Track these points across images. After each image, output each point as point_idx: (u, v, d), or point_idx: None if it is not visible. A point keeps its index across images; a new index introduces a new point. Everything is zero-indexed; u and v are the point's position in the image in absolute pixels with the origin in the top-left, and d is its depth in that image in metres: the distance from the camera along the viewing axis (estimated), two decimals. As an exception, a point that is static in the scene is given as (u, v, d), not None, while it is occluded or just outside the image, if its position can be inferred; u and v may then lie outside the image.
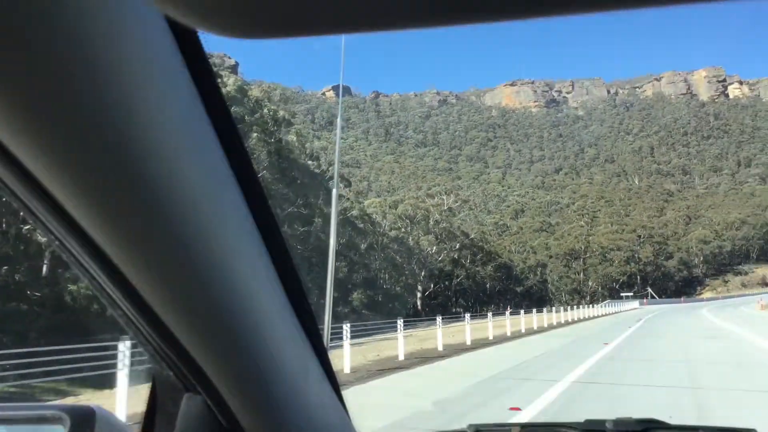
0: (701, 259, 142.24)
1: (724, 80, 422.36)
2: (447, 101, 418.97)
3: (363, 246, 58.18)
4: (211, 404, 0.64)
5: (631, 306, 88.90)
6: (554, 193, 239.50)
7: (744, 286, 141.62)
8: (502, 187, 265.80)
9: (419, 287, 70.20)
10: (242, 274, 0.59)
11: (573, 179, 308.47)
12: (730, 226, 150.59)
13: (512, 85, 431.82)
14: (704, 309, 63.71)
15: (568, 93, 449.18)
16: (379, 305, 55.73)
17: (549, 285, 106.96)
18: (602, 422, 1.68)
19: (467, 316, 26.24)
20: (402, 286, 66.08)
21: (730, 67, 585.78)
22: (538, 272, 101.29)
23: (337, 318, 25.34)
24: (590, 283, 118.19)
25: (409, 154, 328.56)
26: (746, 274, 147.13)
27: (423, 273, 69.76)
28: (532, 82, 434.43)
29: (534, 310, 39.78)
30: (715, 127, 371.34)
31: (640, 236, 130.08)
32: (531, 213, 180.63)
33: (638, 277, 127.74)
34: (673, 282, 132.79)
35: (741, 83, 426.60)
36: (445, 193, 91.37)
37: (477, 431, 1.77)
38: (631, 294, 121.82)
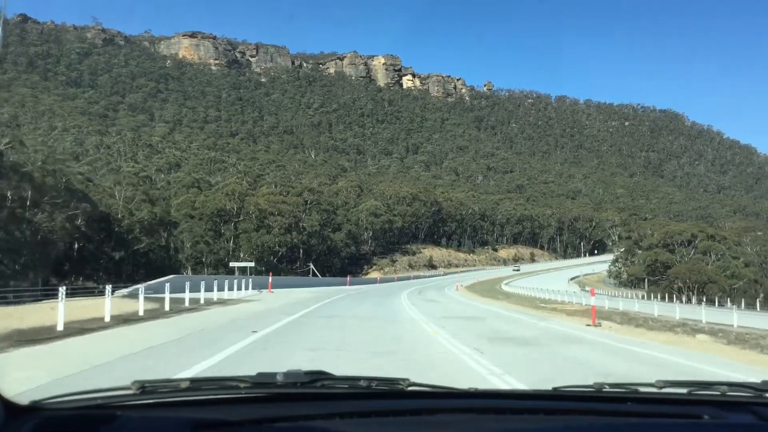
0: (371, 234, 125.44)
1: (400, 69, 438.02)
2: (114, 42, 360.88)
3: None
4: None
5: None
6: (221, 153, 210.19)
7: (411, 267, 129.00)
8: (166, 141, 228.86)
9: None
10: None
11: (249, 145, 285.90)
12: (402, 200, 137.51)
13: (192, 36, 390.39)
14: (404, 296, 48.97)
15: (252, 56, 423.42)
16: None
17: (179, 252, 76.99)
18: (273, 375, 1.74)
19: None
20: None
21: (405, 58, 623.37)
22: (162, 234, 70.39)
23: None
24: (241, 254, 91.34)
25: (55, 92, 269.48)
26: (414, 254, 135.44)
27: None
28: (215, 38, 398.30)
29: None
30: (389, 112, 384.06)
31: (307, 201, 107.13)
32: (188, 169, 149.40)
33: (301, 250, 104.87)
34: (339, 258, 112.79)
35: (414, 76, 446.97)
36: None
37: (142, 387, 1.73)
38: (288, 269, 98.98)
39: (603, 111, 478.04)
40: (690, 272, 67.49)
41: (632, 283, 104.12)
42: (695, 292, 66.10)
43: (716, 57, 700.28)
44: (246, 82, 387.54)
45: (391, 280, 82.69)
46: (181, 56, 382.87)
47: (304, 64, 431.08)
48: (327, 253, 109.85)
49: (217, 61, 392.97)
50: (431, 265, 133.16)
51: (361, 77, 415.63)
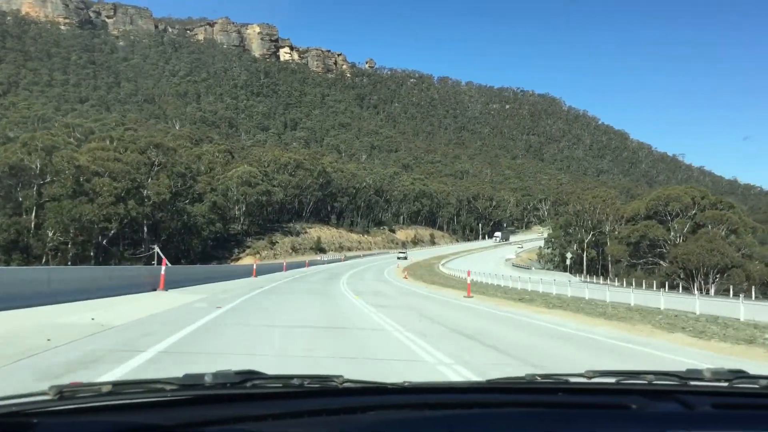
0: (244, 209, 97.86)
1: (277, 41, 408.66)
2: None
3: None
4: None
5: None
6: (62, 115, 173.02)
7: (294, 250, 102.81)
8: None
9: None
10: None
11: (101, 114, 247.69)
12: (284, 168, 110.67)
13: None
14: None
15: (108, 17, 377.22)
16: None
17: None
18: (201, 376, 1.68)
19: None
20: None
21: (283, 30, 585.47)
22: None
23: None
24: (50, 233, 61.90)
25: None
26: (298, 234, 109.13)
27: None
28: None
29: None
30: (266, 84, 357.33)
31: (153, 162, 78.06)
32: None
33: (144, 227, 76.10)
34: (200, 239, 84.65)
35: (292, 48, 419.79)
36: None
37: (60, 393, 1.63)
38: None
39: (484, 93, 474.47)
40: (705, 253, 47.81)
41: (571, 267, 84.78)
42: (711, 279, 46.47)
43: (589, 43, 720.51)
44: (101, 45, 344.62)
45: (279, 268, 56.83)
46: (24, 12, 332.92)
47: (170, 29, 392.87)
48: (182, 231, 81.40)
49: (67, 20, 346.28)
50: (319, 248, 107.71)
51: (234, 46, 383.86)
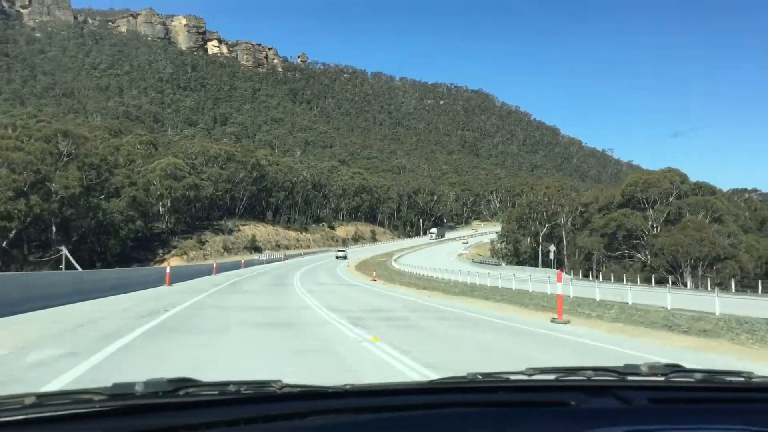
0: (169, 205, 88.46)
1: (205, 33, 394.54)
2: None
3: None
4: None
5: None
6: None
7: (227, 249, 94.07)
8: None
9: None
10: None
11: (14, 107, 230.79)
12: (214, 160, 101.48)
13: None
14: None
15: (24, 7, 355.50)
16: None
17: None
18: (131, 385, 1.61)
19: None
20: None
21: (211, 22, 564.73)
22: None
23: None
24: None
25: None
26: (230, 232, 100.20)
27: None
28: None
29: None
30: (193, 78, 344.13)
31: (62, 152, 68.23)
32: None
33: (53, 226, 66.29)
34: (117, 239, 75.08)
35: (220, 42, 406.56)
36: None
37: None
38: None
39: (419, 89, 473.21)
40: (695, 243, 42.66)
41: (525, 262, 79.70)
42: (699, 271, 41.44)
43: (520, 39, 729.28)
44: (16, 36, 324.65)
45: (207, 271, 46.98)
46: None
47: (90, 21, 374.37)
48: (97, 231, 71.69)
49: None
50: (254, 247, 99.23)
51: (159, 38, 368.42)
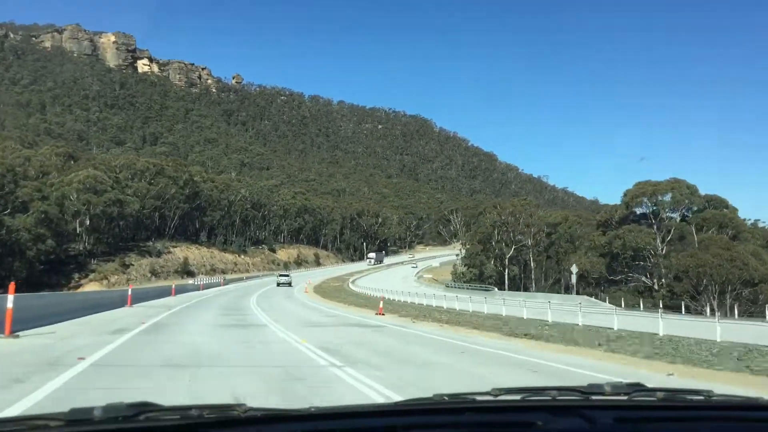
0: (88, 223, 77.15)
1: (135, 51, 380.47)
2: None
3: None
4: None
5: None
6: None
7: (155, 274, 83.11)
8: None
9: None
10: None
11: None
12: (141, 174, 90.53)
13: None
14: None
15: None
16: None
17: None
18: (90, 410, 1.55)
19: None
20: None
21: (141, 41, 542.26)
22: None
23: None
24: None
25: None
26: (159, 254, 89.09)
27: None
28: None
29: None
30: (122, 96, 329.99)
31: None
32: None
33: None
34: (24, 261, 63.58)
35: (151, 60, 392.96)
36: None
37: None
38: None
39: (356, 113, 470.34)
40: (726, 264, 35.88)
41: (492, 285, 72.48)
42: (728, 296, 34.79)
43: (457, 65, 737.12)
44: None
45: (118, 301, 33.06)
46: None
47: (11, 35, 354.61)
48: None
49: None
50: (187, 271, 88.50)
51: (86, 55, 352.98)
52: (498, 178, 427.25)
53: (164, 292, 48.05)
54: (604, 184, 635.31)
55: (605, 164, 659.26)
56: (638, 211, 52.30)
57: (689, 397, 2.04)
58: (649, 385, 2.12)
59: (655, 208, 50.56)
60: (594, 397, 1.96)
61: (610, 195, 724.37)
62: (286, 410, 1.71)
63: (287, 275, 78.98)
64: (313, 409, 1.74)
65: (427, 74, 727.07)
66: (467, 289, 65.48)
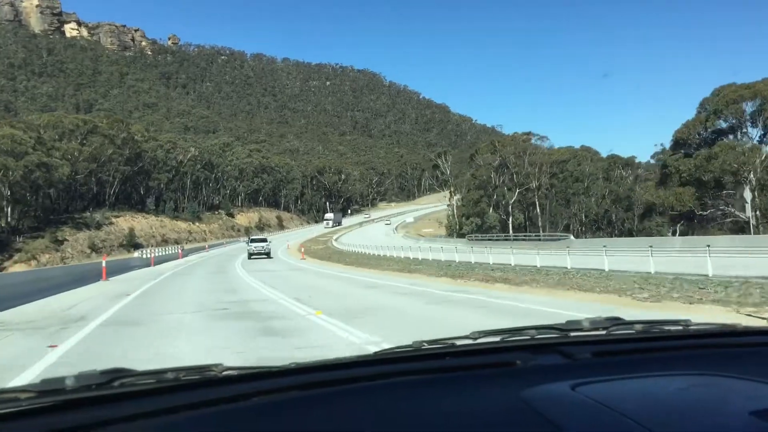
0: (8, 192, 63.69)
1: (61, 14, 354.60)
2: None
3: None
4: None
5: None
6: None
7: (94, 249, 70.22)
8: None
9: None
10: None
11: None
12: (70, 133, 76.67)
13: None
14: None
15: None
16: None
17: None
18: (62, 379, 1.51)
19: None
20: None
21: (67, 3, 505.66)
22: None
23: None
24: None
25: None
26: (99, 227, 75.99)
27: None
28: None
29: None
30: (50, 63, 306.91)
31: None
32: None
33: None
34: None
35: (79, 24, 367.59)
36: None
37: None
38: None
39: (303, 70, 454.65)
40: None
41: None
42: None
43: (403, 17, 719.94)
44: None
45: (20, 295, 20.39)
46: None
47: None
48: None
49: None
50: (133, 244, 75.76)
51: (8, 21, 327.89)
52: (453, 129, 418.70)
53: (83, 278, 26.89)
54: (560, 132, 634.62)
55: (559, 111, 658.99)
56: (723, 125, 42.20)
57: (667, 327, 2.08)
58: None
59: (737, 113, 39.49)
60: (572, 334, 1.99)
61: (572, 138, 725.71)
62: (264, 367, 1.69)
63: (264, 241, 56.46)
64: (292, 365, 1.73)
65: (374, 28, 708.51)
66: (494, 240, 55.27)
